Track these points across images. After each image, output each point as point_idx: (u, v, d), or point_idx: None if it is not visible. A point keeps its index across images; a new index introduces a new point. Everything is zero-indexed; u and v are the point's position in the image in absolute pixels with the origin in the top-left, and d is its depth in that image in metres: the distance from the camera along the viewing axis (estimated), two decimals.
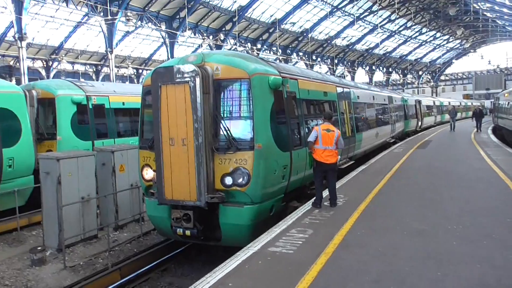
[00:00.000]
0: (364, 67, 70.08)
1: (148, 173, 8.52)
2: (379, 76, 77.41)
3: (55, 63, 45.20)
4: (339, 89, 13.37)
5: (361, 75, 72.43)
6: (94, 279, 7.50)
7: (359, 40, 59.75)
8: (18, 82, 25.20)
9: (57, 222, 9.06)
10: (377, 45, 63.32)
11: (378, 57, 70.00)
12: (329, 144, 8.11)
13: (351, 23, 52.05)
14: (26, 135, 11.48)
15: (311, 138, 8.19)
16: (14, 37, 27.65)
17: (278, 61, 10.57)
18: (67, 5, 31.54)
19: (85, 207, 9.72)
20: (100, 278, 7.55)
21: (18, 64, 32.14)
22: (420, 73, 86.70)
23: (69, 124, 13.65)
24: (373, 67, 71.84)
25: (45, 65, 44.99)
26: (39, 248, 8.70)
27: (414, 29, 62.74)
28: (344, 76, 58.30)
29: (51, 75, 44.35)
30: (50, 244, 9.25)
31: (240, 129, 7.86)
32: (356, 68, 67.62)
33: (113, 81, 31.77)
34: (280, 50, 49.93)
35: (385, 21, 55.26)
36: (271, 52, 50.35)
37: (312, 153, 8.27)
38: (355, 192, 9.74)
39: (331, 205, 8.39)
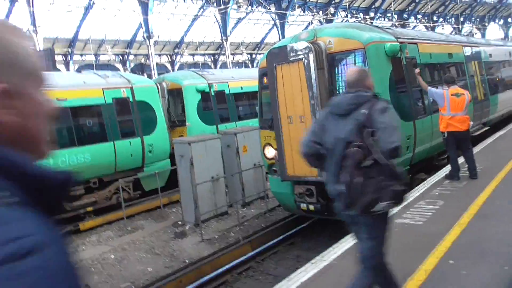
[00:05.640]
0: (497, 21, 61.60)
1: (270, 152, 8.85)
2: None
3: (178, 57, 49.30)
4: (467, 49, 12.10)
5: (494, 30, 63.82)
6: (228, 250, 8.17)
7: None
8: (149, 77, 28.02)
9: (192, 200, 10.05)
10: None
11: None
12: (459, 110, 7.41)
13: None
14: (161, 123, 12.84)
15: (436, 96, 7.81)
16: (143, 36, 30.93)
17: (394, 27, 10.00)
18: (184, 0, 33.99)
19: (215, 186, 10.57)
20: (234, 250, 8.19)
21: (147, 61, 35.87)
22: None
23: (195, 111, 14.84)
24: (509, 19, 62.68)
25: (170, 60, 49.37)
26: (180, 222, 9.79)
27: None
28: (473, 35, 52.13)
29: (176, 68, 48.49)
30: (188, 219, 10.33)
31: None
32: (486, 24, 59.83)
33: (229, 68, 33.42)
34: (395, 16, 46.73)
35: None
36: (386, 19, 47.39)
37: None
38: (492, 159, 8.83)
39: (471, 176, 7.65)
